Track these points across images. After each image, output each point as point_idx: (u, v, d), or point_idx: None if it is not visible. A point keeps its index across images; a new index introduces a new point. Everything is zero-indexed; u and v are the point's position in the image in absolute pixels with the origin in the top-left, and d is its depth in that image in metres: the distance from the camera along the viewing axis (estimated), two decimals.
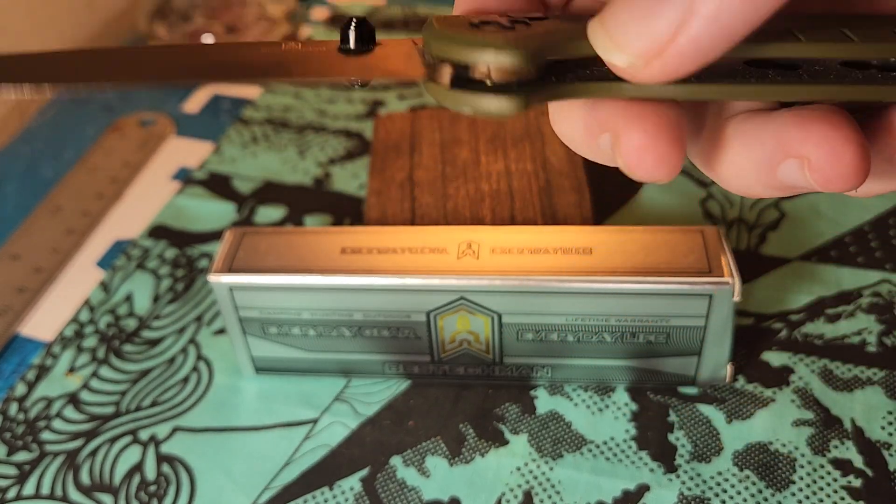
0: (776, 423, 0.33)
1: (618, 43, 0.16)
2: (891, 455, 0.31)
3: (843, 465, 0.31)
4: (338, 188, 0.46)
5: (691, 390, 0.34)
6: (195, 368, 0.37)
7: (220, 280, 0.33)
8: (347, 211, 0.44)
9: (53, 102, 0.56)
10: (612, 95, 0.17)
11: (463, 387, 0.35)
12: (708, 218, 0.41)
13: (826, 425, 0.33)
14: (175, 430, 0.35)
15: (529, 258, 0.32)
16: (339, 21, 0.60)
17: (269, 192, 0.46)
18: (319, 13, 0.61)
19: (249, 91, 0.54)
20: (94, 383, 0.37)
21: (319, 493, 0.32)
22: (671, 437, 0.33)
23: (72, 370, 0.38)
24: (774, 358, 0.35)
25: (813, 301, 0.37)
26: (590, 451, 0.33)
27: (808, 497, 0.31)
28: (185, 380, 0.37)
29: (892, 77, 0.17)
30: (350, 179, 0.46)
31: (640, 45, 0.15)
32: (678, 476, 0.32)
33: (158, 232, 0.44)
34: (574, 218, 0.38)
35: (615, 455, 0.32)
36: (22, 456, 0.35)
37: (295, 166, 0.47)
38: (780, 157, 0.17)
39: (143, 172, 0.49)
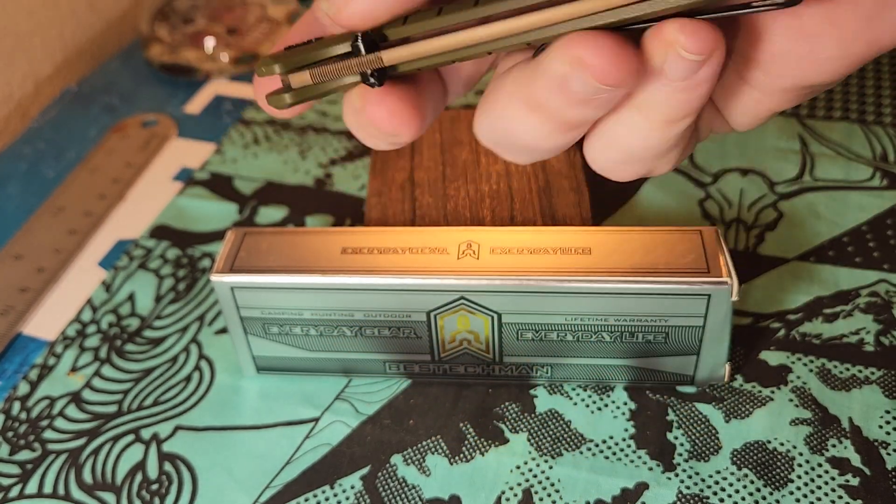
0: (774, 422, 0.33)
1: None
2: (888, 454, 0.32)
3: (841, 464, 0.31)
4: (339, 189, 0.46)
5: (690, 389, 0.34)
6: (197, 368, 0.37)
7: (221, 280, 0.33)
8: (348, 211, 0.44)
9: (56, 103, 0.56)
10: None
11: (463, 386, 0.35)
12: (706, 218, 0.41)
13: (824, 424, 0.33)
14: (177, 428, 0.35)
15: (529, 258, 0.32)
16: None
17: (271, 192, 0.46)
18: None
19: (250, 91, 0.54)
20: (97, 382, 0.37)
21: (320, 492, 0.32)
22: (670, 436, 0.33)
23: (74, 369, 0.38)
24: (772, 357, 0.35)
25: (811, 301, 0.37)
26: (589, 449, 0.33)
27: (805, 496, 0.31)
28: (187, 379, 0.37)
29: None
30: (351, 180, 0.46)
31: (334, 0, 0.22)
32: (677, 475, 0.32)
33: (160, 232, 0.44)
34: (573, 218, 0.38)
35: (614, 454, 0.33)
36: (24, 455, 0.35)
37: (296, 167, 0.48)
38: (566, 70, 0.20)
39: (146, 173, 0.49)
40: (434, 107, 0.25)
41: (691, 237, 0.32)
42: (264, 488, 0.33)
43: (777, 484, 0.31)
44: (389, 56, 0.22)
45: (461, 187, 0.40)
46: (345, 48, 0.23)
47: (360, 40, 0.23)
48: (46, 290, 0.42)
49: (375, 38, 0.23)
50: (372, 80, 0.23)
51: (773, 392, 0.34)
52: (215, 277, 0.33)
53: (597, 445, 0.33)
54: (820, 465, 0.32)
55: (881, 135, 0.45)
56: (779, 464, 0.32)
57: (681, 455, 0.32)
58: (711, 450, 0.32)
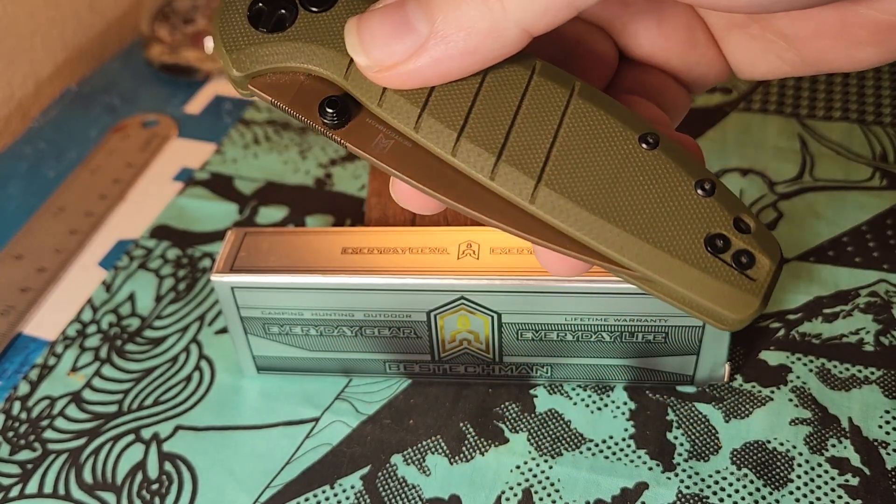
0: (774, 421, 0.33)
1: (364, 47, 0.19)
2: (888, 454, 0.32)
3: (841, 464, 0.31)
4: (339, 189, 0.46)
5: (689, 389, 0.34)
6: (197, 367, 0.38)
7: (222, 280, 0.33)
8: (348, 211, 0.44)
9: (56, 103, 0.56)
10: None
11: (463, 386, 0.35)
12: None
13: (823, 424, 0.33)
14: (177, 428, 0.35)
15: (529, 258, 0.32)
16: None
17: (271, 192, 0.46)
18: None
19: None
20: (97, 382, 0.37)
21: (321, 492, 0.33)
22: (669, 436, 0.33)
23: (74, 369, 0.38)
24: (772, 357, 0.35)
25: (810, 301, 0.37)
26: (589, 449, 0.33)
27: (805, 496, 0.31)
28: (188, 379, 0.37)
29: None
30: (351, 180, 0.46)
31: (379, 56, 0.19)
32: (676, 474, 0.32)
33: (161, 232, 0.45)
34: None
35: (614, 453, 0.33)
36: (25, 455, 0.35)
37: (296, 167, 0.48)
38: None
39: (146, 173, 0.49)
40: None
41: None
42: (265, 488, 0.33)
43: (777, 484, 0.31)
44: (349, 145, 0.20)
45: None
46: (310, 66, 0.20)
47: (333, 112, 0.20)
48: (47, 290, 0.42)
49: (348, 103, 0.20)
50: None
51: (772, 392, 0.34)
52: (216, 277, 0.33)
53: (596, 445, 0.33)
54: (819, 464, 0.32)
55: (881, 135, 0.45)
56: (778, 463, 0.32)
57: (680, 455, 0.32)
58: (711, 449, 0.32)
